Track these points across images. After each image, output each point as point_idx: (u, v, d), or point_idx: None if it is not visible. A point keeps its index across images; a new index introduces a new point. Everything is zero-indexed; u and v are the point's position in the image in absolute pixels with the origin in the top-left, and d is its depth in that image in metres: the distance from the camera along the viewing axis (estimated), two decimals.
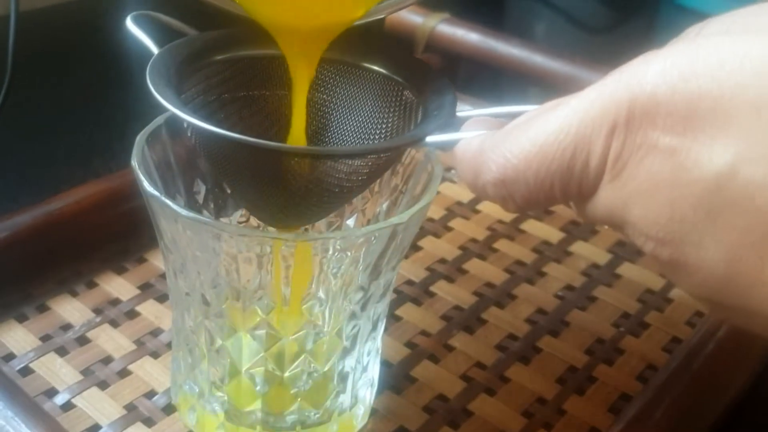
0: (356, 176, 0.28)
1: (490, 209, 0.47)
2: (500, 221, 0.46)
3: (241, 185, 0.29)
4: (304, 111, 0.30)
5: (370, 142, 0.31)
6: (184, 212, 0.26)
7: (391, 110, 0.31)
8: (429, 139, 0.26)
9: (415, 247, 0.43)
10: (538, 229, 0.46)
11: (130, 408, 0.33)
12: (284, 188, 0.27)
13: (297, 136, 0.30)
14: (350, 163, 0.27)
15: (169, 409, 0.33)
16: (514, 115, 0.24)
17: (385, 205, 0.33)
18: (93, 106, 0.56)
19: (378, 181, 0.33)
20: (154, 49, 0.29)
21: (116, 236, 0.41)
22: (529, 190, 0.22)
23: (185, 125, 0.27)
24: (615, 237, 0.45)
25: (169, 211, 0.27)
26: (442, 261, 0.43)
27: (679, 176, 0.19)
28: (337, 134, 0.32)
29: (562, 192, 0.22)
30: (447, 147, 0.25)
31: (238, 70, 0.31)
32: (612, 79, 0.20)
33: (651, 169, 0.20)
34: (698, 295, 0.21)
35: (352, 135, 0.31)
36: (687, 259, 0.20)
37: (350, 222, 0.34)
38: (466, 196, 0.48)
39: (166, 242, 0.29)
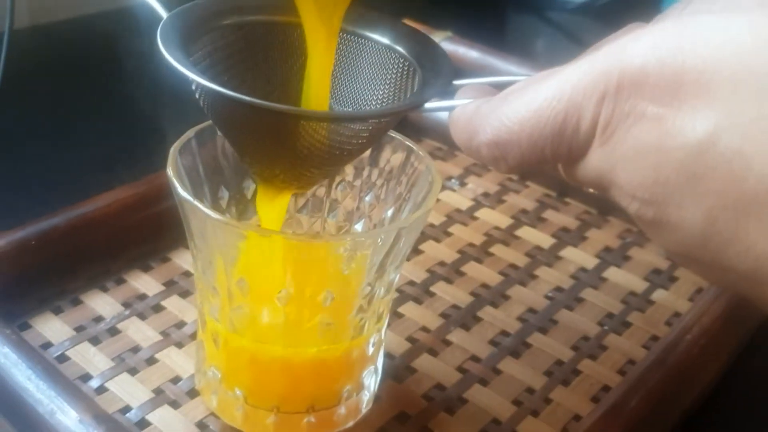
0: (356, 140, 0.30)
1: (488, 217, 0.50)
2: (496, 227, 0.49)
3: (245, 146, 0.31)
4: (328, 78, 0.31)
5: (370, 108, 0.33)
6: (213, 215, 0.30)
7: (389, 78, 0.32)
8: (428, 104, 0.28)
9: (416, 251, 0.47)
10: (532, 235, 0.49)
11: (158, 392, 0.37)
12: (287, 150, 0.29)
13: (315, 101, 0.32)
14: (353, 126, 0.29)
15: (192, 393, 0.37)
16: (507, 84, 0.26)
17: (390, 212, 0.36)
18: (116, 116, 0.60)
19: (384, 189, 0.37)
20: (163, 13, 0.30)
21: (143, 237, 0.44)
22: (521, 151, 0.24)
23: (194, 87, 0.29)
24: (602, 243, 0.49)
25: (200, 213, 0.30)
26: (442, 264, 0.46)
27: (664, 143, 0.21)
28: (337, 100, 0.33)
29: (553, 154, 0.24)
30: (444, 112, 0.28)
31: (243, 35, 0.32)
32: (603, 51, 0.22)
33: (638, 136, 0.21)
34: (677, 252, 0.23)
35: (353, 102, 0.33)
36: (669, 219, 0.22)
37: (358, 226, 0.38)
38: (465, 203, 0.51)
39: (196, 242, 0.32)
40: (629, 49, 0.22)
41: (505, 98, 0.25)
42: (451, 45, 0.59)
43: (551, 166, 0.25)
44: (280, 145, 0.29)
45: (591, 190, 0.26)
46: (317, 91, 0.32)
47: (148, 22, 0.31)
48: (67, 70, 0.65)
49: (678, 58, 0.21)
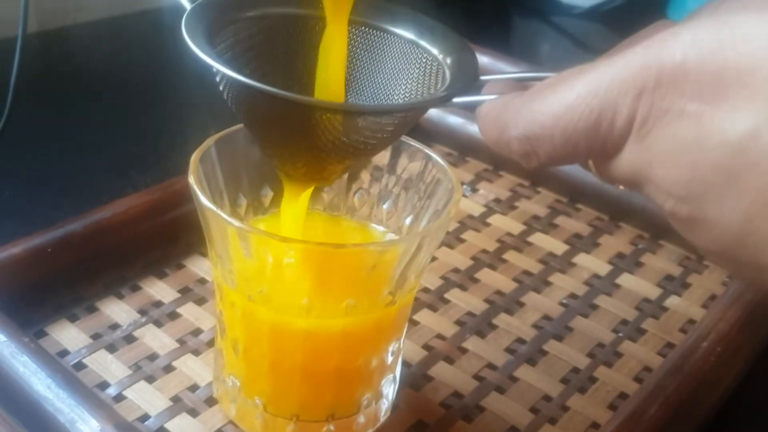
0: (381, 134, 0.30)
1: (500, 223, 0.50)
2: (509, 234, 0.49)
3: (269, 138, 0.30)
4: (342, 64, 0.31)
5: (394, 102, 0.33)
6: (237, 224, 0.30)
7: (413, 72, 0.32)
8: (456, 99, 0.28)
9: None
10: (545, 241, 0.49)
11: (176, 400, 0.37)
12: (313, 143, 0.29)
13: (328, 90, 0.32)
14: (379, 120, 0.29)
15: (211, 401, 0.37)
16: (534, 80, 0.26)
17: (408, 220, 0.36)
18: (128, 123, 0.60)
19: (403, 196, 0.37)
20: (186, 5, 0.30)
21: (157, 244, 0.44)
22: (554, 146, 0.24)
23: (218, 78, 0.29)
24: (615, 249, 0.49)
25: (223, 222, 0.30)
26: (456, 270, 0.46)
27: (703, 140, 0.21)
28: (360, 94, 0.33)
29: (587, 149, 0.24)
30: (472, 107, 0.27)
31: (265, 27, 0.32)
32: (640, 47, 0.22)
33: (676, 133, 0.21)
34: (712, 251, 0.22)
35: (376, 96, 0.33)
36: (705, 216, 0.22)
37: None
38: (477, 210, 0.51)
39: (216, 250, 0.32)
40: (668, 45, 0.22)
41: (537, 93, 0.25)
42: None
43: (583, 162, 0.25)
44: (305, 138, 0.29)
45: (621, 187, 0.26)
46: (334, 74, 0.32)
47: (158, 27, 0.30)
48: (77, 75, 0.65)
49: (718, 56, 0.21)
